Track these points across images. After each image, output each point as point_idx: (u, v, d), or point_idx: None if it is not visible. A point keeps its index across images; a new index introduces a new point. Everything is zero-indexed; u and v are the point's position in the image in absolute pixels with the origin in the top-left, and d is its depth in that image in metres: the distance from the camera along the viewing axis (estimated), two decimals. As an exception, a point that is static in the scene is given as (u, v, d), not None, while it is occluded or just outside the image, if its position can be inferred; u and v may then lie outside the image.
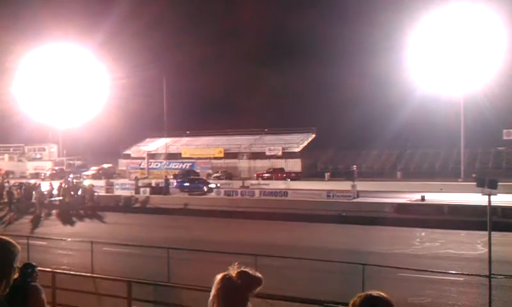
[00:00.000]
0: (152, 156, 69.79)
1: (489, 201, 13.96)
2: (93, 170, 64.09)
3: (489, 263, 13.72)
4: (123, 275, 14.81)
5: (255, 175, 60.22)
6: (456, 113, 53.99)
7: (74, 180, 46.05)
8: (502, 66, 51.16)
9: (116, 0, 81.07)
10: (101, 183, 49.82)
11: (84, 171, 63.66)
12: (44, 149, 78.42)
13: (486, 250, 14.84)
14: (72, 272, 16.28)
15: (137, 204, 41.24)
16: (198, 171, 61.72)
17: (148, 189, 45.31)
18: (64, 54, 69.15)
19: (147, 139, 79.06)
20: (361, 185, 40.81)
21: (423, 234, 26.79)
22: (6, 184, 43.80)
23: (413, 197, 36.34)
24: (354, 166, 47.64)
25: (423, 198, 35.37)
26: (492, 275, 13.56)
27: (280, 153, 66.01)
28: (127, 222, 33.59)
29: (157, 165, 67.50)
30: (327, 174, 58.64)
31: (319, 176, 58.40)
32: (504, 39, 50.91)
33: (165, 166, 65.47)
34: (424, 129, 60.38)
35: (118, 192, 46.37)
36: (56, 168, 67.83)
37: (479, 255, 20.31)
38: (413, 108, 56.11)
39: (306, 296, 14.40)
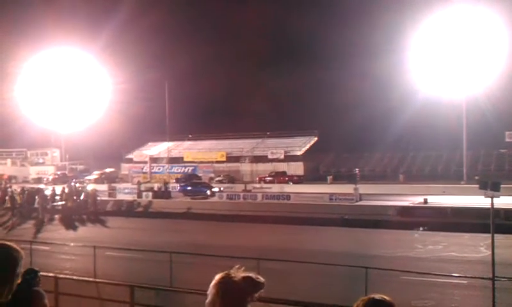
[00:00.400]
0: (154, 160, 69.79)
1: (492, 204, 13.93)
2: (95, 174, 64.12)
3: (492, 266, 13.70)
4: (125, 280, 14.82)
5: (257, 179, 60.17)
6: (458, 115, 53.91)
7: (77, 185, 46.17)
8: (504, 68, 51.08)
9: (117, 4, 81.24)
10: (103, 187, 49.87)
11: (86, 176, 63.70)
12: (46, 154, 78.53)
13: (489, 252, 14.80)
14: (74, 277, 16.29)
15: (140, 209, 41.24)
16: (200, 175, 61.74)
17: (150, 193, 45.34)
18: (66, 59, 69.26)
19: (149, 143, 79.11)
20: (363, 188, 40.76)
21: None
22: (9, 189, 43.89)
23: (415, 200, 36.24)
24: (357, 169, 47.64)
25: (426, 201, 35.30)
26: (495, 278, 13.54)
27: (282, 157, 65.98)
28: (129, 227, 33.59)
29: (159, 169, 67.51)
30: (329, 178, 58.58)
31: (321, 180, 58.33)
32: (506, 41, 50.84)
33: (167, 170, 65.49)
34: (426, 131, 60.26)
35: (120, 196, 46.39)
36: (59, 173, 67.89)
37: (482, 258, 20.25)
38: (415, 110, 56.04)
39: (309, 300, 14.39)
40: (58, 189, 43.59)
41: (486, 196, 14.27)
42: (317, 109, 77.43)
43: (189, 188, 48.08)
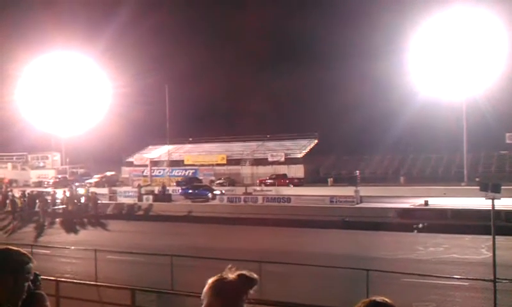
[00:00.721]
0: (154, 163, 69.79)
1: (493, 205, 13.92)
2: (96, 178, 64.11)
3: (493, 268, 13.68)
4: (126, 283, 14.82)
5: (258, 181, 60.18)
6: (458, 117, 53.91)
7: (78, 189, 46.24)
8: (504, 70, 51.14)
9: (117, 8, 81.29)
10: (104, 191, 49.86)
11: (87, 179, 63.69)
12: (47, 158, 78.48)
13: (490, 254, 14.79)
14: (75, 281, 16.29)
15: (141, 212, 41.26)
16: (200, 177, 61.70)
17: (151, 197, 45.35)
18: (66, 62, 69.39)
19: (150, 147, 79.15)
20: (364, 191, 40.73)
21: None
22: (10, 193, 43.90)
23: (416, 202, 36.21)
24: (357, 171, 47.61)
25: (426, 203, 35.27)
26: (497, 280, 13.52)
27: (282, 159, 65.99)
28: (130, 230, 33.58)
29: (159, 172, 67.51)
30: (330, 180, 58.59)
31: (321, 182, 58.33)
32: (505, 43, 50.90)
33: (168, 173, 65.50)
34: (427, 133, 60.28)
35: (121, 199, 46.39)
36: (59, 176, 67.84)
37: (483, 259, 20.23)
38: (416, 112, 56.06)
39: (310, 302, 14.38)
40: (59, 193, 43.62)
41: (487, 198, 14.27)
42: (318, 111, 77.51)
43: (190, 191, 48.08)
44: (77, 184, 52.79)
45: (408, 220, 30.53)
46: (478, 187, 15.39)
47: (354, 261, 18.12)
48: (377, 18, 64.58)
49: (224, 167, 67.54)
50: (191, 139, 78.06)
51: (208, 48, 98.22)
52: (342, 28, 74.30)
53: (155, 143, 77.27)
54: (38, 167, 76.54)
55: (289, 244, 25.78)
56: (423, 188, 44.83)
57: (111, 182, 62.17)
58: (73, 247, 24.93)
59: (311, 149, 68.47)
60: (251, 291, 2.75)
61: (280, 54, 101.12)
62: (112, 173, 68.15)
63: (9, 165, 77.47)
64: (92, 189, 47.34)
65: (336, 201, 38.22)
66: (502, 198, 14.73)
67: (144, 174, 65.81)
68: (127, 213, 40.75)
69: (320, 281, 16.48)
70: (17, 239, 28.11)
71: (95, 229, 35.10)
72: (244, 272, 2.77)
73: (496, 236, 14.09)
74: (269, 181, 59.06)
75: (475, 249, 23.16)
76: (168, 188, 53.38)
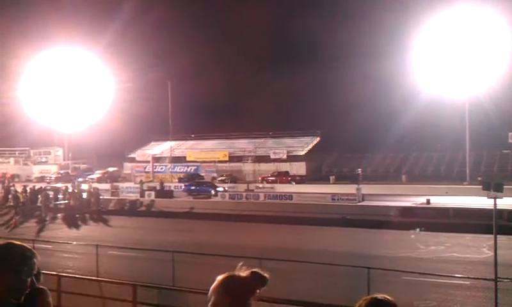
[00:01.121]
0: (156, 159, 69.84)
1: (495, 205, 13.92)
2: (98, 174, 64.20)
3: (495, 267, 13.68)
4: (128, 279, 14.84)
5: (260, 178, 60.15)
6: (461, 116, 53.81)
7: (82, 185, 46.37)
8: (508, 69, 50.97)
9: (120, 4, 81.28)
10: (106, 186, 49.94)
11: (89, 175, 63.75)
12: (49, 153, 78.60)
13: (492, 253, 14.79)
14: (77, 276, 16.33)
15: (142, 208, 41.32)
16: (202, 174, 61.74)
17: (153, 193, 45.39)
18: (69, 58, 69.42)
19: (152, 143, 79.21)
20: (366, 189, 40.71)
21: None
22: (12, 188, 44.00)
23: (418, 201, 36.19)
24: (359, 169, 47.56)
25: (428, 201, 35.25)
26: (498, 279, 13.52)
27: (284, 157, 65.97)
28: (132, 226, 33.64)
29: (162, 168, 67.51)
30: (332, 178, 58.55)
31: (323, 180, 58.28)
32: (509, 41, 50.73)
33: (170, 170, 65.52)
34: (429, 132, 60.20)
35: (123, 195, 46.45)
36: (62, 172, 67.99)
37: (485, 258, 20.22)
38: (418, 111, 55.92)
39: (312, 300, 14.39)
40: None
41: (489, 197, 14.26)
42: (320, 109, 77.34)
43: (193, 187, 48.20)
44: (80, 179, 52.90)
45: (410, 219, 30.53)
46: (480, 186, 15.37)
47: (355, 259, 18.15)
48: (380, 17, 64.49)
49: (226, 164, 67.54)
50: (193, 136, 78.08)
51: (211, 45, 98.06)
52: (345, 27, 74.27)
53: (158, 139, 77.32)
54: (40, 163, 76.70)
55: (290, 241, 25.82)
56: (425, 186, 44.78)
57: (113, 178, 62.26)
58: (75, 243, 24.97)
59: (313, 147, 68.42)
60: (260, 290, 2.75)
61: (283, 51, 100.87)
62: (115, 168, 68.24)
63: (12, 160, 77.69)
64: (94, 185, 47.45)
65: (338, 199, 38.22)
66: (504, 197, 14.70)
67: (147, 170, 65.88)
68: (129, 209, 40.81)
69: (321, 278, 16.50)
70: (19, 234, 28.18)
71: (97, 224, 35.17)
72: (256, 269, 2.77)
73: (498, 236, 14.09)
74: (271, 178, 59.03)
75: (477, 248, 23.15)
76: (169, 184, 53.54)
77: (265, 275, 2.75)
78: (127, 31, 77.66)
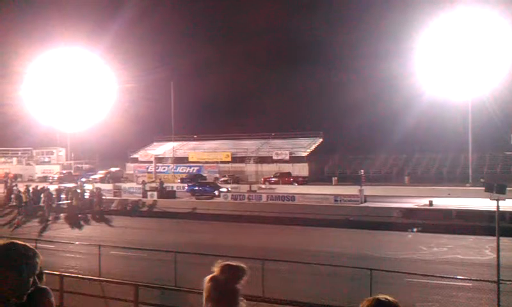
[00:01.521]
0: (159, 160, 69.93)
1: (498, 206, 13.87)
2: (100, 174, 64.29)
3: (497, 269, 13.64)
4: (130, 279, 14.86)
5: (262, 179, 60.17)
6: (463, 117, 53.76)
7: (85, 185, 46.51)
8: (511, 70, 50.92)
9: (123, 4, 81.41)
10: (109, 186, 49.99)
11: (91, 175, 63.86)
12: (52, 153, 78.75)
13: (494, 255, 14.75)
14: (79, 276, 16.34)
15: (145, 208, 41.32)
16: (205, 175, 61.80)
17: (155, 193, 45.42)
18: (72, 58, 69.55)
19: (154, 143, 79.32)
20: (368, 190, 40.70)
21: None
22: (15, 187, 44.10)
23: (420, 202, 36.12)
24: (362, 171, 47.51)
25: (431, 203, 35.19)
26: (500, 281, 13.48)
27: (287, 158, 65.96)
28: (134, 226, 33.66)
29: (164, 169, 67.61)
30: (334, 179, 58.54)
31: (326, 181, 58.27)
32: (512, 43, 50.71)
33: (172, 170, 65.59)
34: (432, 133, 60.18)
35: (125, 195, 46.50)
36: (64, 172, 68.09)
37: (487, 260, 20.19)
38: (421, 112, 55.97)
39: (314, 301, 14.38)
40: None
41: (492, 199, 14.20)
42: (323, 110, 77.49)
43: (197, 188, 48.26)
44: (83, 180, 53.03)
45: (412, 220, 30.49)
46: (483, 188, 15.32)
47: (357, 260, 18.14)
48: (383, 18, 64.55)
49: (229, 165, 67.57)
50: (195, 136, 78.14)
51: (214, 46, 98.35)
52: (348, 28, 74.30)
53: (160, 140, 77.43)
54: (43, 163, 76.85)
55: (293, 242, 25.81)
56: (427, 188, 44.75)
57: (116, 178, 62.35)
58: (77, 242, 24.99)
59: (316, 148, 68.39)
60: (241, 282, 2.74)
61: (286, 52, 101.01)
62: (117, 169, 68.35)
63: (15, 160, 77.89)
64: (97, 185, 47.48)
65: (340, 200, 38.17)
66: (506, 199, 14.65)
67: (149, 170, 65.99)
68: (131, 210, 40.84)
69: (324, 279, 16.49)
70: (22, 233, 28.24)
71: (99, 224, 35.19)
72: (228, 262, 2.77)
73: (501, 238, 14.03)
74: (273, 179, 59.05)
75: (479, 249, 23.11)
76: (172, 185, 53.59)
77: (238, 265, 2.76)
78: (130, 32, 77.99)
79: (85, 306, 13.42)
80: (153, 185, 49.83)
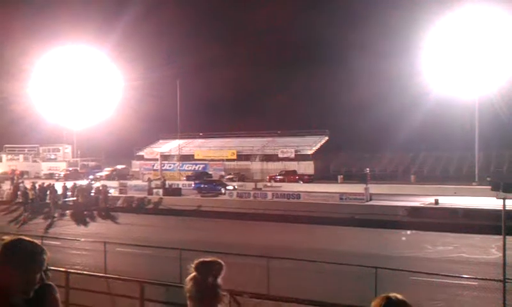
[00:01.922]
0: (165, 157, 70.04)
1: (504, 205, 13.81)
2: (106, 171, 64.49)
3: (503, 268, 13.59)
4: (135, 276, 14.89)
5: (268, 177, 60.17)
6: (470, 116, 53.56)
7: (93, 182, 46.77)
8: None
9: (129, 3, 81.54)
10: (115, 184, 50.13)
11: (97, 172, 64.09)
12: (58, 150, 79.05)
13: (500, 254, 14.69)
14: (85, 272, 16.40)
15: (150, 206, 41.39)
16: (210, 172, 61.86)
17: (161, 190, 45.50)
18: (78, 56, 69.77)
19: (160, 141, 79.46)
20: (374, 188, 40.61)
21: (403, 239, 26.63)
22: (21, 184, 44.30)
23: (426, 201, 36.03)
24: (367, 169, 47.42)
25: (437, 202, 35.11)
26: (506, 280, 13.43)
27: (292, 156, 65.94)
28: (139, 223, 33.73)
29: (170, 166, 67.72)
30: (340, 177, 58.48)
31: (331, 179, 58.20)
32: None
33: (178, 168, 65.68)
34: (438, 132, 59.98)
35: (131, 193, 46.59)
36: (70, 169, 68.35)
37: (493, 259, 20.09)
38: (427, 111, 55.80)
39: (319, 299, 14.36)
40: (69, 185, 43.99)
41: (498, 198, 14.15)
42: (329, 109, 77.36)
43: (203, 186, 48.36)
44: (91, 177, 53.28)
45: (418, 219, 30.40)
46: (489, 187, 15.26)
47: (362, 258, 18.08)
48: (389, 16, 64.24)
49: (234, 163, 67.62)
50: (201, 134, 78.24)
51: (220, 44, 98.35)
52: (355, 26, 74.15)
53: (166, 137, 77.54)
54: (49, 160, 77.16)
55: (298, 240, 25.78)
56: (433, 187, 44.62)
57: (122, 175, 62.55)
58: (83, 239, 25.09)
59: (321, 146, 68.33)
60: (219, 277, 2.74)
61: (292, 51, 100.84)
62: (123, 166, 68.55)
63: (21, 157, 78.22)
64: (102, 182, 47.66)
65: (346, 199, 38.11)
66: (513, 198, 14.59)
67: (155, 168, 66.10)
68: (137, 207, 40.93)
69: (329, 277, 16.48)
70: (28, 230, 28.32)
71: (105, 221, 35.29)
72: (202, 259, 2.78)
73: (507, 236, 13.97)
74: (278, 177, 59.04)
75: (485, 248, 23.02)
76: (177, 182, 53.73)
77: (213, 260, 2.76)
78: (137, 30, 78.06)
79: (90, 302, 13.47)
80: (157, 182, 49.96)
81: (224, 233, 28.81)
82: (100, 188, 42.68)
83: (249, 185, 51.18)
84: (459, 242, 24.85)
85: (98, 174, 61.51)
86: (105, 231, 29.49)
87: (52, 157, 78.56)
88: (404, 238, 26.80)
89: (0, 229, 25.89)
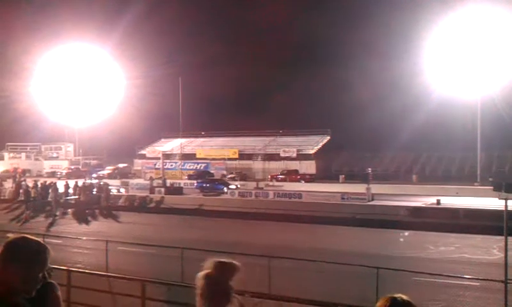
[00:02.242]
0: (166, 156, 70.04)
1: (506, 206, 13.78)
2: (108, 170, 64.54)
3: (505, 268, 13.56)
4: (137, 275, 14.89)
5: (269, 177, 60.16)
6: (472, 116, 53.47)
7: (95, 180, 46.86)
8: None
9: (131, 1, 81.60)
10: (116, 182, 50.16)
11: (99, 171, 64.15)
12: (60, 149, 79.17)
13: (502, 255, 14.66)
14: (87, 271, 16.40)
15: (152, 204, 41.43)
16: (212, 171, 61.87)
17: (162, 189, 45.54)
18: (80, 55, 69.74)
19: (162, 140, 79.45)
20: (376, 188, 40.58)
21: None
22: (23, 182, 44.37)
23: (428, 201, 36.01)
24: (369, 169, 47.38)
25: (438, 202, 35.07)
26: (508, 281, 13.41)
27: (294, 155, 65.90)
28: (141, 222, 33.76)
29: (171, 165, 67.75)
30: (341, 177, 58.44)
31: (333, 179, 58.19)
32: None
33: (180, 167, 65.70)
34: (440, 132, 59.90)
35: (133, 191, 46.64)
36: (72, 167, 68.44)
37: (495, 260, 20.07)
38: (430, 111, 55.75)
39: (320, 299, 14.36)
40: (71, 183, 44.03)
41: (500, 198, 14.11)
42: (331, 108, 77.32)
43: (206, 185, 48.39)
44: (94, 176, 53.36)
45: (420, 219, 30.38)
46: (491, 187, 15.23)
47: (364, 258, 18.07)
48: (391, 17, 64.21)
49: (236, 162, 67.60)
50: (203, 133, 78.23)
51: (222, 43, 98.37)
52: (357, 27, 74.08)
53: (168, 136, 77.54)
54: (51, 158, 77.27)
55: (299, 239, 25.77)
56: (435, 187, 44.56)
57: (123, 174, 62.60)
58: (84, 238, 25.12)
59: (323, 146, 68.28)
60: (233, 278, 2.74)
61: (294, 50, 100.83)
62: (125, 164, 68.61)
63: (23, 155, 78.33)
64: (104, 180, 47.74)
65: (347, 198, 38.10)
66: (515, 198, 14.55)
67: (157, 166, 66.12)
68: (139, 205, 40.96)
69: (330, 277, 16.46)
70: (29, 228, 28.35)
71: (107, 220, 35.33)
72: (221, 259, 2.78)
73: (509, 237, 13.93)
74: (280, 176, 59.03)
75: (487, 249, 23.00)
76: (179, 181, 53.76)
77: (231, 262, 2.76)
78: (139, 28, 78.07)
79: (92, 301, 13.47)
80: (159, 181, 50.01)
81: (225, 232, 28.82)
82: (102, 184, 42.76)
83: (251, 185, 51.18)
84: (460, 243, 24.83)
85: (99, 173, 61.60)
86: (107, 230, 29.52)
87: (54, 155, 78.67)
88: (405, 239, 26.80)
89: (2, 228, 25.88)
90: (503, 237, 14.07)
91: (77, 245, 23.42)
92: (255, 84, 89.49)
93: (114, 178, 57.08)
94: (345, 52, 77.65)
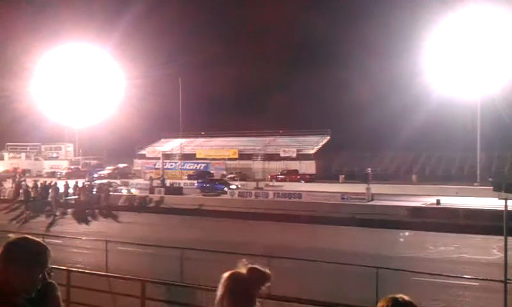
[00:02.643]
0: (166, 156, 70.04)
1: (506, 206, 13.79)
2: (108, 170, 64.54)
3: (505, 268, 13.57)
4: (137, 275, 14.90)
5: (269, 177, 60.16)
6: (472, 116, 53.46)
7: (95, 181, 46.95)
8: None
9: (131, 1, 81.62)
10: (116, 182, 50.18)
11: (99, 171, 64.15)
12: (60, 149, 79.15)
13: (502, 255, 14.68)
14: (86, 271, 16.41)
15: (152, 204, 41.44)
16: (212, 172, 61.87)
17: (162, 189, 45.55)
18: (80, 55, 69.79)
19: (162, 140, 79.42)
20: (375, 188, 40.57)
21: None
22: (23, 182, 44.37)
23: (428, 201, 36.00)
24: (369, 169, 47.37)
25: (438, 202, 35.06)
26: (507, 281, 13.42)
27: (294, 155, 65.86)
28: (141, 222, 33.77)
29: (171, 165, 67.74)
30: (341, 177, 58.43)
31: (333, 179, 58.17)
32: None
33: (180, 167, 65.69)
34: (440, 132, 59.88)
35: (133, 191, 46.64)
36: (72, 167, 68.43)
37: (495, 260, 20.07)
38: (429, 111, 55.73)
39: (319, 299, 14.36)
40: (71, 183, 44.04)
41: (500, 198, 14.14)
42: (331, 108, 77.30)
43: (206, 185, 48.40)
44: (95, 176, 53.37)
45: (420, 219, 30.38)
46: (491, 187, 15.26)
47: (364, 258, 18.08)
48: (391, 16, 64.21)
49: (236, 162, 67.56)
50: (203, 133, 78.18)
51: (222, 43, 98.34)
52: (357, 26, 74.08)
53: (168, 136, 77.49)
54: (51, 158, 77.26)
55: (299, 239, 25.77)
56: (435, 187, 44.56)
57: (123, 174, 62.61)
58: (84, 238, 25.13)
59: (323, 146, 68.24)
60: (263, 288, 2.72)
61: (294, 50, 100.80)
62: (125, 165, 68.60)
63: (23, 155, 78.32)
64: (104, 180, 47.77)
65: (347, 198, 38.08)
66: (514, 198, 14.56)
67: (156, 166, 66.13)
68: (139, 205, 40.97)
69: (330, 277, 16.46)
70: (29, 228, 28.36)
71: (106, 220, 35.34)
72: (256, 266, 2.75)
73: (509, 237, 13.95)
74: (280, 176, 59.02)
75: (487, 249, 22.99)
76: (179, 181, 53.78)
77: (266, 272, 2.73)
78: (138, 28, 78.10)
79: (92, 301, 13.47)
80: (159, 181, 50.01)
81: (225, 232, 28.83)
82: (102, 186, 42.78)
83: (251, 185, 51.16)
84: (460, 243, 24.83)
85: (99, 173, 61.60)
86: (107, 230, 29.53)
87: (54, 155, 78.64)
88: (405, 239, 26.81)
89: (2, 228, 25.90)
90: (503, 237, 14.08)
91: (76, 245, 23.42)
92: (255, 84, 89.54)
93: (114, 178, 57.05)
94: (345, 52, 77.69)
